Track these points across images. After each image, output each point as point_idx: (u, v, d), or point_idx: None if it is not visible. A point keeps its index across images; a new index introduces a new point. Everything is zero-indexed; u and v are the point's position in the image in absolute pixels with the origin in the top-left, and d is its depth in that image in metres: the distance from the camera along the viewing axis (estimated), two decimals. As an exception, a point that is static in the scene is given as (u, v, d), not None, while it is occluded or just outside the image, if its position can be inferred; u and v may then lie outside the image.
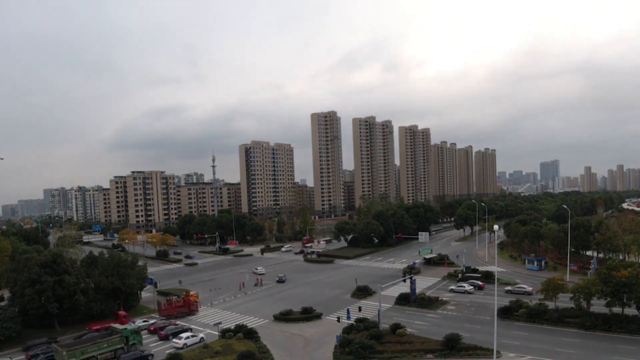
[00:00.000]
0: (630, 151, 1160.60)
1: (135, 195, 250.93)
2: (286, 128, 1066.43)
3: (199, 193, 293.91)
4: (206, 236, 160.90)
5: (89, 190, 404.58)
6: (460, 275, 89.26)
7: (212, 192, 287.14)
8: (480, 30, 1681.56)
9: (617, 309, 55.62)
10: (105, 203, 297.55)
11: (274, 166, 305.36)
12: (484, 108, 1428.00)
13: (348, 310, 66.35)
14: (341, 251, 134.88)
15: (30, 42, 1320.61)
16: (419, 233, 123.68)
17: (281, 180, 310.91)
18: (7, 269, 79.51)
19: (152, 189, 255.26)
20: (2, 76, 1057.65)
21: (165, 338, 57.86)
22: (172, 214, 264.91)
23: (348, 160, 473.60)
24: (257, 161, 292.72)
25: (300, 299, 75.69)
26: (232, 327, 57.23)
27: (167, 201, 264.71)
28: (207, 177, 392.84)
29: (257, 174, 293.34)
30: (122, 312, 68.10)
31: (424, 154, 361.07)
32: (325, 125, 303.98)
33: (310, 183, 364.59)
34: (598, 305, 58.27)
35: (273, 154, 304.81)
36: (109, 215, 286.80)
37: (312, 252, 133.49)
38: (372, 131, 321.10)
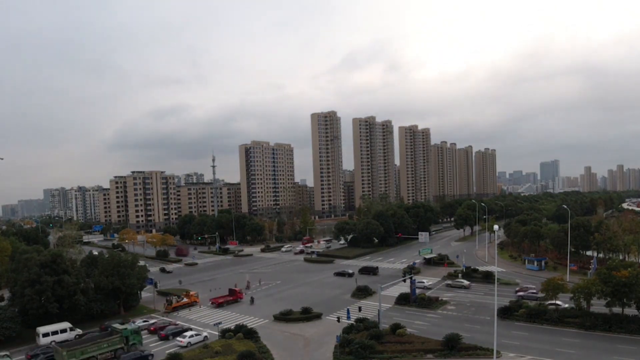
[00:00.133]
0: (630, 151, 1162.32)
1: (135, 195, 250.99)
2: (287, 128, 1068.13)
3: (199, 193, 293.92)
4: (206, 236, 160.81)
5: (89, 190, 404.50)
6: (460, 275, 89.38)
7: (212, 192, 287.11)
8: (480, 31, 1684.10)
9: (617, 309, 55.61)
10: (105, 203, 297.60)
11: (274, 166, 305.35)
12: (484, 108, 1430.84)
13: (348, 310, 66.32)
14: (341, 251, 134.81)
15: (31, 42, 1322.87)
16: (419, 233, 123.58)
17: (281, 180, 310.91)
18: (7, 269, 79.51)
19: (152, 189, 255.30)
20: (3, 76, 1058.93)
21: (165, 338, 57.83)
22: (172, 214, 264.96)
23: (348, 160, 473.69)
24: (257, 161, 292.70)
25: (300, 299, 75.65)
26: (232, 327, 57.21)
27: (167, 201, 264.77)
28: (207, 177, 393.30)
29: (257, 174, 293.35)
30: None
31: (424, 154, 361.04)
32: (325, 125, 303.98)
33: (310, 183, 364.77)
34: (598, 305, 58.26)
35: (273, 154, 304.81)
36: (109, 215, 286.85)
37: (312, 252, 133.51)
38: (372, 131, 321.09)
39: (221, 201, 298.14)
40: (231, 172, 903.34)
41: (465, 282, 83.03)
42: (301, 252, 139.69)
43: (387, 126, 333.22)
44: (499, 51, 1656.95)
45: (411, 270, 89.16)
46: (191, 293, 78.43)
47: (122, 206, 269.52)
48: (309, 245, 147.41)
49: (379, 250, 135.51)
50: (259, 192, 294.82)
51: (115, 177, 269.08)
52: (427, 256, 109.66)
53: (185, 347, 53.65)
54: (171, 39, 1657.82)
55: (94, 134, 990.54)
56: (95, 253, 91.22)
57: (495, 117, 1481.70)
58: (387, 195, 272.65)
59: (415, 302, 69.57)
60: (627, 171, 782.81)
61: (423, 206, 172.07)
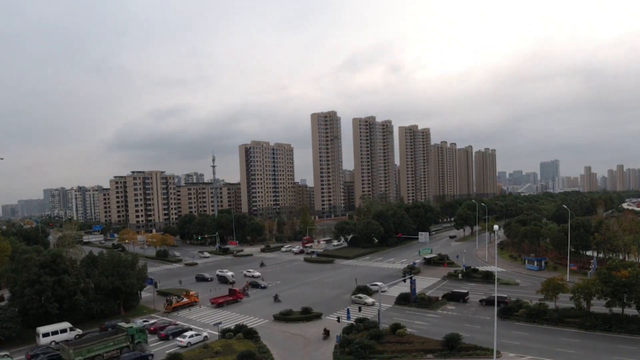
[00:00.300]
0: (630, 151, 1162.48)
1: (135, 195, 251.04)
2: (288, 129, 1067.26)
3: (199, 193, 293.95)
4: (206, 236, 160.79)
5: (89, 190, 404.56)
6: (460, 275, 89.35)
7: (212, 192, 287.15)
8: (480, 31, 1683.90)
9: (617, 309, 55.61)
10: (105, 203, 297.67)
11: (274, 166, 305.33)
12: (484, 108, 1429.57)
13: (348, 310, 66.34)
14: (341, 251, 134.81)
15: (33, 41, 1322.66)
16: (419, 233, 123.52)
17: (281, 180, 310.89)
18: (7, 269, 79.39)
19: (152, 189, 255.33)
20: (3, 75, 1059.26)
21: (165, 338, 57.86)
22: (172, 214, 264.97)
23: (348, 160, 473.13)
24: (257, 161, 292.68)
25: (300, 299, 75.64)
26: (232, 327, 57.21)
27: (167, 201, 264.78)
28: (207, 177, 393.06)
29: (257, 174, 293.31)
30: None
31: (424, 154, 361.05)
32: (326, 125, 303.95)
33: (310, 183, 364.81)
34: (598, 305, 58.23)
35: (273, 153, 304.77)
36: (109, 215, 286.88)
37: (312, 252, 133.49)
38: (372, 131, 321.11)
39: (221, 201, 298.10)
40: (231, 172, 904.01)
41: (369, 300, 71.51)
42: (301, 252, 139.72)
43: (387, 126, 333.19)
44: (499, 52, 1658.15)
45: (411, 270, 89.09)
46: (191, 293, 78.46)
47: (122, 206, 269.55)
48: (309, 245, 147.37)
49: (379, 250, 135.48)
50: (259, 192, 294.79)
51: (115, 177, 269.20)
52: (427, 256, 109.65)
53: (185, 347, 53.67)
54: (174, 39, 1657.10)
55: (94, 134, 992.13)
56: (96, 253, 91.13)
57: (495, 117, 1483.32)
58: (387, 195, 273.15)
59: (415, 302, 69.52)
60: (627, 171, 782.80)
61: (423, 206, 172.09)
